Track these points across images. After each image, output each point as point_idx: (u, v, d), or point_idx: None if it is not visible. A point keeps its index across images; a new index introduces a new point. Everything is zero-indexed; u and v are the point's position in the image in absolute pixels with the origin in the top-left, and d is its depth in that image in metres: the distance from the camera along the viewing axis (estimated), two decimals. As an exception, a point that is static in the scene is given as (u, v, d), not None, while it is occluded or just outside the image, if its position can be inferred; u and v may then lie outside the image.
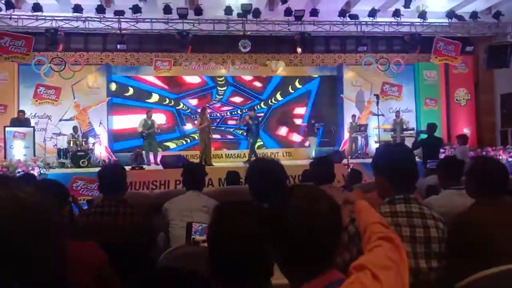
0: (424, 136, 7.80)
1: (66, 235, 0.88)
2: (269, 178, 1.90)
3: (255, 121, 9.66)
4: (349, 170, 6.88)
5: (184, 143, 11.74)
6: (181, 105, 11.80)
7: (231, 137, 11.78)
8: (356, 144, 11.28)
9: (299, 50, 10.82)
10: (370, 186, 3.34)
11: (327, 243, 0.98)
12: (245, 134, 10.40)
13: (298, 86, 12.27)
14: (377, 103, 9.57)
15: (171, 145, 11.63)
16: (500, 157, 8.83)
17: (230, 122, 11.92)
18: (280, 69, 11.90)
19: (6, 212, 0.63)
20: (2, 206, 0.64)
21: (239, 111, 11.69)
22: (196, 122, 9.76)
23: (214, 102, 11.94)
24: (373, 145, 11.19)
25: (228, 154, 11.56)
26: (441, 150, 8.59)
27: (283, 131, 12.26)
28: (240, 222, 1.09)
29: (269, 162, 2.00)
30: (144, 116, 10.38)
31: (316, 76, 12.30)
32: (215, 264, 1.08)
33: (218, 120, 11.82)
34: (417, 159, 2.68)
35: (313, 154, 10.72)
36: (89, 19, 9.71)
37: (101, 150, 10.53)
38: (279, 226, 0.99)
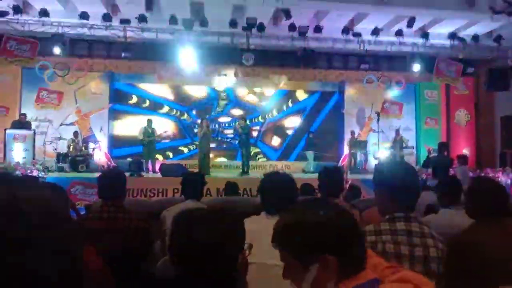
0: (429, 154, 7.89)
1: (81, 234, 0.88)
2: (282, 191, 1.96)
3: (245, 131, 9.62)
4: (347, 185, 6.87)
5: (187, 151, 11.76)
6: (184, 115, 11.85)
7: (230, 148, 11.79)
8: (355, 160, 11.30)
9: (301, 65, 10.94)
10: (370, 202, 3.33)
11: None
12: (237, 142, 10.42)
13: (299, 99, 12.34)
14: (378, 120, 9.61)
15: (184, 150, 11.70)
16: (499, 179, 8.83)
17: (229, 133, 11.95)
18: (283, 83, 11.99)
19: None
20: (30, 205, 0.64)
21: (237, 123, 11.70)
22: (196, 131, 9.79)
23: (214, 112, 11.99)
24: (372, 161, 11.21)
25: (227, 165, 11.56)
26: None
27: (279, 143, 12.31)
28: (199, 229, 1.07)
29: (282, 176, 2.07)
30: (144, 124, 10.41)
31: (317, 90, 12.37)
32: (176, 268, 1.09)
33: (217, 131, 11.85)
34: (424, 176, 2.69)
35: (311, 168, 10.73)
36: (95, 26, 9.80)
37: (100, 155, 10.55)
38: (329, 233, 1.02)
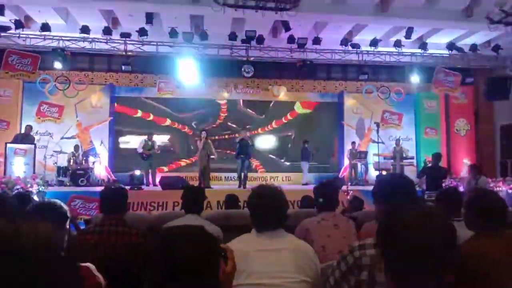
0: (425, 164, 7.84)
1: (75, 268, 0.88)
2: (270, 207, 1.91)
3: (244, 142, 9.60)
4: (349, 197, 6.86)
5: (187, 163, 11.77)
6: (184, 127, 11.90)
7: (230, 159, 11.77)
8: (356, 171, 11.29)
9: (300, 76, 10.98)
10: (371, 215, 3.33)
11: (441, 255, 1.01)
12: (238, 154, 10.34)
13: (299, 111, 12.40)
14: (377, 130, 9.63)
15: (184, 162, 11.75)
16: (500, 189, 8.80)
17: (229, 145, 11.96)
18: (282, 94, 12.06)
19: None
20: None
21: (237, 135, 11.74)
22: (197, 143, 9.81)
23: (215, 125, 12.04)
24: (373, 173, 11.20)
25: (227, 177, 11.56)
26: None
27: (279, 155, 12.33)
28: (177, 247, 1.06)
29: (270, 189, 2.00)
30: (145, 137, 10.44)
31: (317, 102, 12.44)
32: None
33: (217, 143, 11.88)
34: (417, 188, 2.70)
35: (305, 179, 10.73)
36: (96, 40, 9.90)
37: (100, 169, 10.55)
38: (398, 241, 1.02)
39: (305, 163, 10.99)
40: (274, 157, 12.34)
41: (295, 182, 11.44)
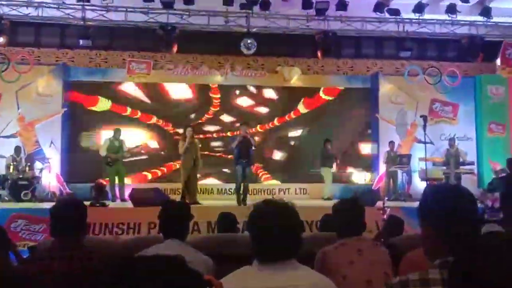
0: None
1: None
2: (276, 228, 1.89)
3: (245, 143, 9.47)
4: (385, 216, 6.83)
5: (166, 171, 11.77)
6: (161, 122, 11.91)
7: (224, 165, 11.78)
8: (395, 181, 11.26)
9: (320, 54, 10.96)
10: (415, 241, 3.31)
11: None
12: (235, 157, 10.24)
13: (317, 100, 12.39)
14: (424, 127, 9.60)
15: (162, 170, 11.75)
16: None
17: (222, 146, 11.96)
18: (295, 78, 12.05)
19: None
20: None
21: (236, 133, 11.71)
22: (179, 144, 9.79)
23: (203, 119, 12.05)
24: (419, 183, 11.16)
25: (221, 189, 11.56)
26: None
27: (292, 160, 12.34)
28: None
29: (279, 206, 1.99)
30: (110, 134, 10.45)
31: (342, 88, 12.44)
32: None
33: (207, 144, 11.88)
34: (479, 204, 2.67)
35: (328, 192, 10.70)
36: (44, 5, 9.93)
37: (50, 179, 10.57)
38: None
39: (327, 170, 10.94)
40: (284, 161, 12.32)
41: (313, 196, 11.42)
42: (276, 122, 12.33)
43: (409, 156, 11.40)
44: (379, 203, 8.85)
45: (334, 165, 11.07)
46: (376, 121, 12.16)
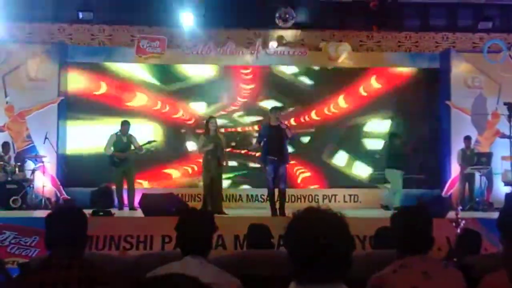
0: None
1: None
2: (321, 243, 1.88)
3: (274, 133, 9.27)
4: (459, 230, 6.73)
5: (185, 173, 11.88)
6: (179, 112, 12.02)
7: (257, 167, 11.79)
8: (472, 186, 11.09)
9: (376, 26, 10.86)
10: (496, 260, 3.25)
11: None
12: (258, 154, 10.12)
13: (374, 85, 12.30)
14: (510, 117, 9.41)
15: (179, 171, 11.81)
16: None
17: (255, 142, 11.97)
18: (344, 57, 11.97)
19: None
20: None
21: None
22: (199, 139, 9.83)
23: (230, 110, 12.13)
24: (501, 189, 10.97)
25: (251, 195, 11.61)
26: None
27: (342, 159, 12.30)
28: None
29: (323, 217, 1.98)
30: (116, 129, 10.58)
31: (405, 68, 12.30)
32: None
33: (235, 140, 11.91)
34: None
35: (397, 200, 10.52)
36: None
37: (45, 181, 10.72)
38: None
39: (396, 173, 10.65)
40: (329, 161, 12.31)
41: (367, 204, 11.37)
42: (314, 115, 12.29)
43: (489, 155, 11.20)
44: (451, 214, 8.72)
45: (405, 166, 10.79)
46: (447, 110, 11.98)
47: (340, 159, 12.33)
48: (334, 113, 12.32)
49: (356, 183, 12.06)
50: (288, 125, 9.55)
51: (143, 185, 11.36)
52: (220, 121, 10.64)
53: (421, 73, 12.32)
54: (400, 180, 10.57)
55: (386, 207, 10.37)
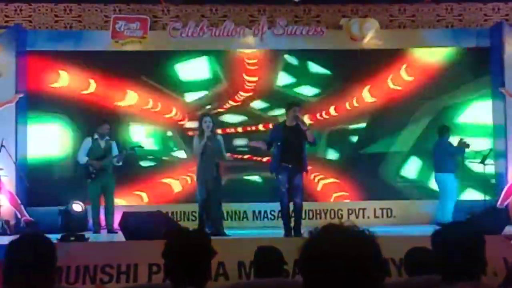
0: None
1: None
2: (344, 269, 1.86)
3: (290, 131, 9.22)
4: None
5: (176, 185, 11.89)
6: (171, 110, 12.06)
7: (265, 172, 11.78)
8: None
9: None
10: None
11: None
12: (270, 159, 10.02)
13: (408, 71, 12.30)
14: None
15: (168, 183, 11.87)
16: None
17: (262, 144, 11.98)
18: (369, 36, 11.97)
19: None
20: None
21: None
22: (194, 141, 9.81)
23: (228, 106, 12.18)
24: None
25: (259, 212, 11.64)
26: None
27: (376, 164, 12.31)
28: None
29: (346, 236, 1.95)
30: (92, 132, 10.62)
31: (446, 49, 12.31)
32: None
33: (236, 142, 11.93)
34: None
35: (448, 215, 10.49)
36: None
37: (2, 199, 10.74)
38: None
39: (448, 178, 10.68)
40: (353, 167, 12.31)
41: (402, 220, 11.40)
42: (333, 110, 12.29)
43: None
44: (508, 229, 8.71)
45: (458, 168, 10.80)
46: (500, 99, 11.98)
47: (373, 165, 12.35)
48: (357, 107, 12.32)
49: (390, 194, 12.06)
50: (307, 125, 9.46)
51: (124, 202, 11.36)
52: (219, 119, 10.66)
53: (467, 54, 12.30)
54: (454, 186, 10.58)
55: (440, 224, 10.32)
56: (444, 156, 10.58)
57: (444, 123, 11.22)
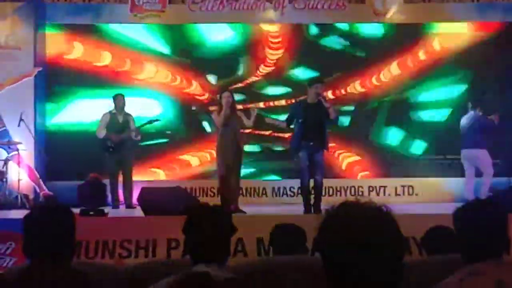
0: None
1: None
2: (363, 247, 1.86)
3: (313, 109, 9.20)
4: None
5: (195, 161, 11.93)
6: (190, 85, 12.05)
7: (286, 152, 11.80)
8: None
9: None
10: None
11: None
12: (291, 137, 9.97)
13: (435, 46, 12.20)
14: None
15: (188, 159, 11.88)
16: None
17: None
18: (394, 10, 11.87)
19: None
20: None
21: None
22: (214, 117, 9.78)
23: (251, 81, 12.13)
24: None
25: (279, 188, 11.66)
26: None
27: (396, 140, 12.33)
28: None
29: (365, 213, 1.95)
30: (110, 106, 10.66)
31: (477, 23, 12.16)
32: None
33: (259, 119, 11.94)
34: None
35: (470, 192, 10.42)
36: None
37: (20, 174, 10.85)
38: None
39: (479, 154, 10.62)
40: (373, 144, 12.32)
41: (425, 198, 11.38)
42: (358, 86, 12.24)
43: None
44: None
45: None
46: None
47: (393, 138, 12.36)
48: (384, 82, 12.27)
49: (413, 171, 12.01)
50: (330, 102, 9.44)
51: (142, 177, 11.42)
52: (237, 96, 10.63)
53: (500, 29, 12.17)
54: (488, 166, 10.49)
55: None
56: (474, 132, 10.48)
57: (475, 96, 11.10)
